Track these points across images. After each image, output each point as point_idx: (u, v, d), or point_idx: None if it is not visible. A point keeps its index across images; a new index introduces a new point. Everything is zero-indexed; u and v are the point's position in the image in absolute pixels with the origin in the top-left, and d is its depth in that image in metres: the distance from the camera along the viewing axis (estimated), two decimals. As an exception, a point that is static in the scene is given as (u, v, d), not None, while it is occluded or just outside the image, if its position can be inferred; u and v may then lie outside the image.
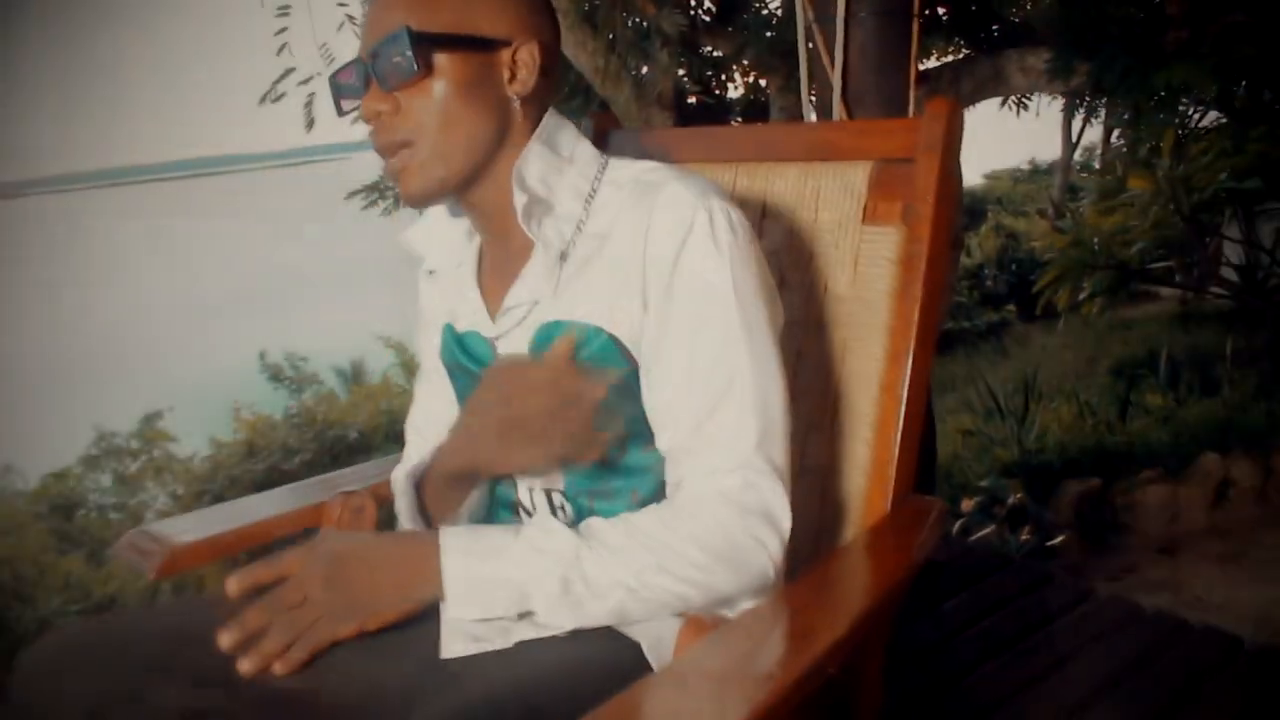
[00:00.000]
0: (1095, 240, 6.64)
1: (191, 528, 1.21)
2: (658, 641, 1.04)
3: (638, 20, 3.66)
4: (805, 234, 1.27)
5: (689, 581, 0.99)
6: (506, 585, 0.98)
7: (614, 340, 1.07)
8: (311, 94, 4.05)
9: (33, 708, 0.99)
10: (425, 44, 1.03)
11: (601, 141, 1.47)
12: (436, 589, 0.99)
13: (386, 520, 1.35)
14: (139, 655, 1.00)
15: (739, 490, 1.01)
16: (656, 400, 1.07)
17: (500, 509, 1.20)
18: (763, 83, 4.92)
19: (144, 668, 0.99)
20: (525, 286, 1.12)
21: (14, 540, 5.31)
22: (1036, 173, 18.79)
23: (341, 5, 3.98)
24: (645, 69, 3.73)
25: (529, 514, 1.17)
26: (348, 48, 4.04)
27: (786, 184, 1.29)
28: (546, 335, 1.10)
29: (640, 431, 1.09)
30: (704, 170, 1.36)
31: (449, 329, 1.24)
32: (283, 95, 3.99)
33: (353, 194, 5.97)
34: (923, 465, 2.35)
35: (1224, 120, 5.17)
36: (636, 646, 1.04)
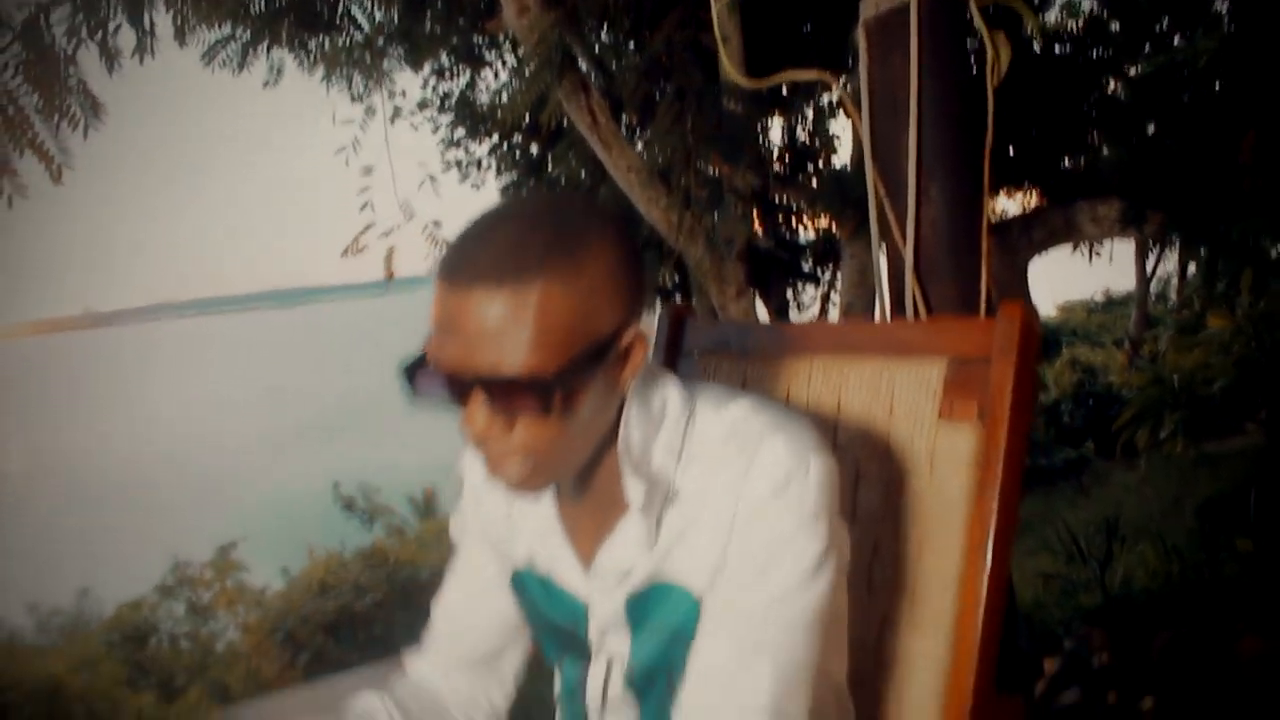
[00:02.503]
0: (1175, 378, 6.56)
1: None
2: None
3: (711, 176, 3.75)
4: (881, 429, 1.29)
5: None
6: None
7: (699, 604, 1.05)
8: (391, 248, 4.20)
9: None
10: (558, 384, 0.94)
11: (677, 332, 1.51)
12: None
13: None
14: None
15: None
16: (696, 637, 1.04)
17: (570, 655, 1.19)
18: (834, 228, 5.01)
19: None
20: (622, 550, 1.09)
21: (89, 675, 5.37)
22: (1111, 303, 18.67)
23: (421, 165, 4.17)
24: (718, 222, 3.80)
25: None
26: (427, 203, 4.23)
27: (862, 379, 1.32)
28: (642, 601, 1.09)
29: None
30: (778, 363, 1.39)
31: (528, 574, 1.19)
32: (364, 248, 4.14)
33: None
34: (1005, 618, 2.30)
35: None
36: None
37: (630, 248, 1.02)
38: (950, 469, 1.21)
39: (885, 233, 1.97)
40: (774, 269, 4.97)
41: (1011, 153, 4.45)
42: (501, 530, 1.22)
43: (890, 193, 1.96)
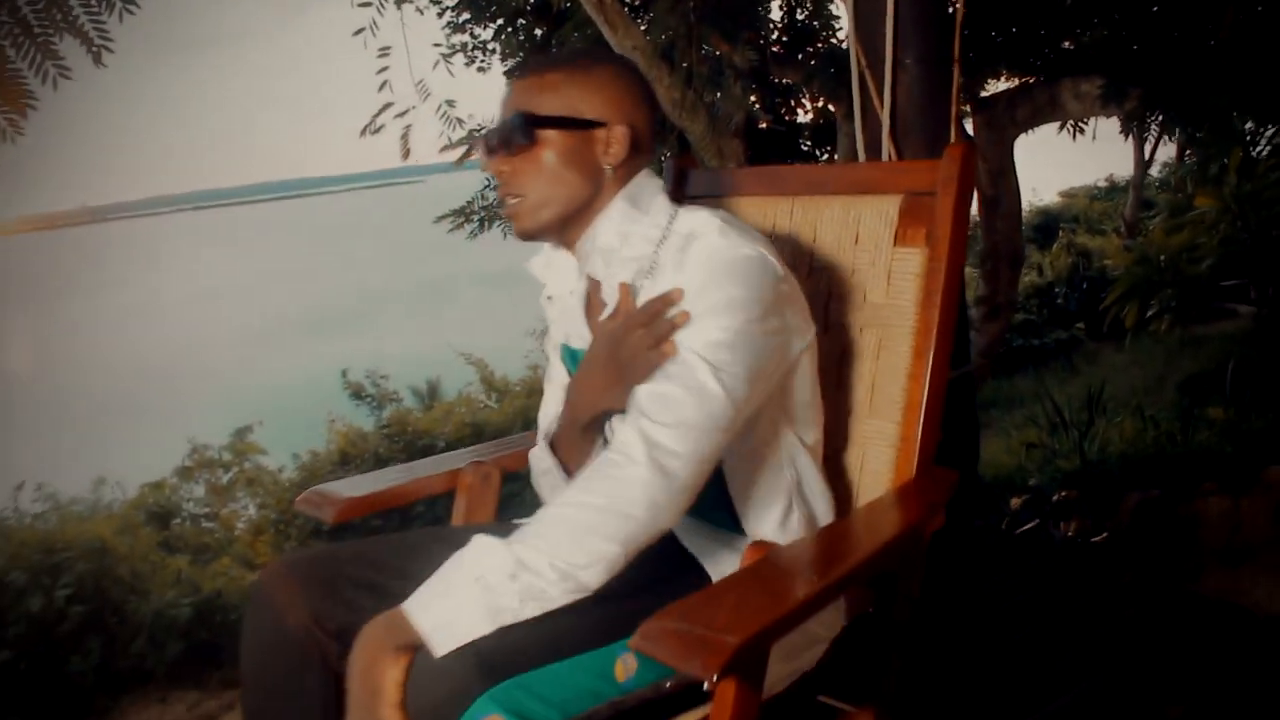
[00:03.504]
0: (1162, 258, 6.68)
1: (354, 487, 1.52)
2: (721, 573, 1.32)
3: (712, 54, 3.90)
4: (848, 254, 1.57)
5: (609, 537, 1.11)
6: (473, 610, 1.08)
7: None
8: (408, 126, 4.35)
9: (271, 611, 1.31)
10: (534, 124, 1.33)
11: (681, 179, 1.78)
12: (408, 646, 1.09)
13: (510, 493, 1.64)
14: (350, 575, 1.32)
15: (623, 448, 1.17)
16: None
17: None
18: (830, 108, 5.18)
19: (354, 585, 1.30)
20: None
21: (130, 539, 5.67)
22: (1114, 190, 18.56)
23: (436, 46, 4.29)
24: (719, 99, 3.97)
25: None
26: (442, 83, 4.36)
27: (833, 213, 1.59)
28: None
29: None
30: (765, 202, 1.66)
31: (565, 347, 1.51)
32: (381, 128, 4.29)
33: (441, 218, 6.27)
34: (964, 470, 2.57)
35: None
36: (707, 577, 1.33)
37: (640, 85, 1.41)
38: (902, 284, 1.50)
39: (866, 99, 2.20)
40: (772, 148, 5.16)
41: (999, 39, 4.58)
42: (550, 312, 1.53)
43: (871, 63, 2.18)
